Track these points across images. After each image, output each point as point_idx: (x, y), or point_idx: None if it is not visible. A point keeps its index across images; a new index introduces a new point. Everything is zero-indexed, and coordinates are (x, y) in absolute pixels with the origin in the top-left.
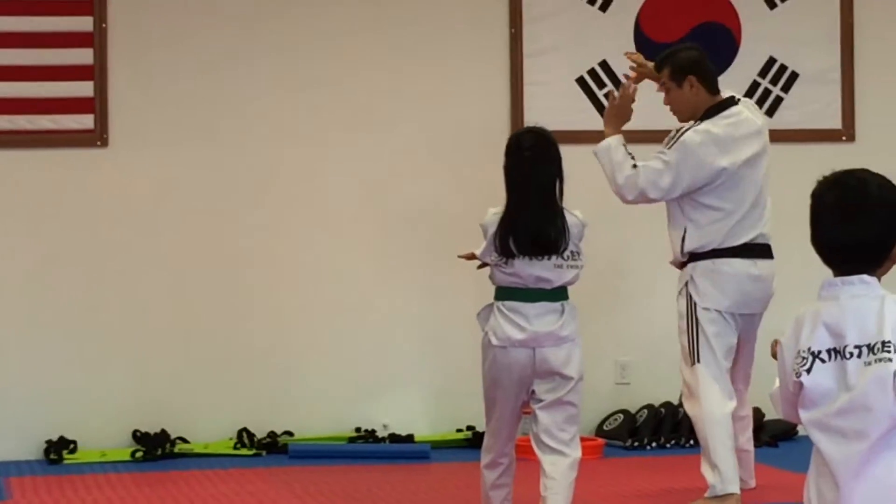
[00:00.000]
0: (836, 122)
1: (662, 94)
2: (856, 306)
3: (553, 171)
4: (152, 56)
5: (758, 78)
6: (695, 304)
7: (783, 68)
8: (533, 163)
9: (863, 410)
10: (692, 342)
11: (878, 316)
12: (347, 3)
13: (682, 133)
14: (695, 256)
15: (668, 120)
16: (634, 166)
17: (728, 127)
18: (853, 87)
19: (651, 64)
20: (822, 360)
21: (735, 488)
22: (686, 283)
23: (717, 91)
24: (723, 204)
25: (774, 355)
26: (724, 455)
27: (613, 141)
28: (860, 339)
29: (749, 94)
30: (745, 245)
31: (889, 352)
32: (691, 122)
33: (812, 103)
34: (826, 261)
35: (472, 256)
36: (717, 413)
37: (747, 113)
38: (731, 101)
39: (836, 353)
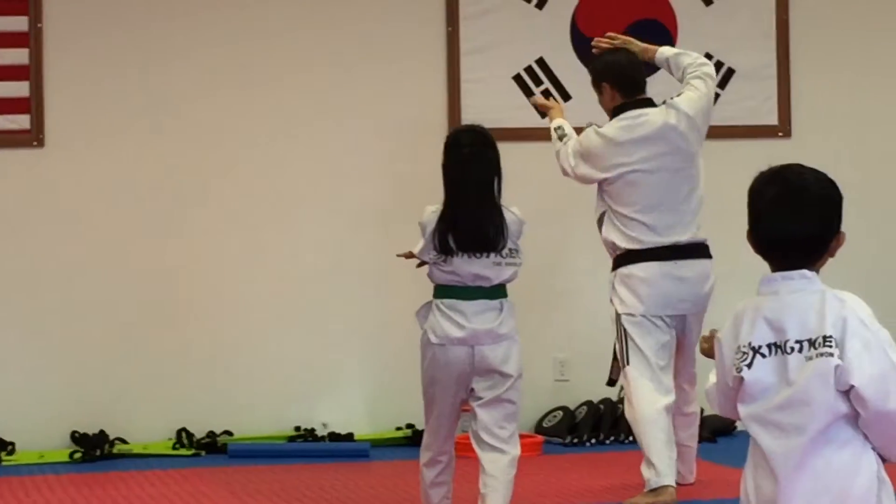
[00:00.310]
0: (772, 119)
1: None
2: (796, 301)
3: (491, 168)
4: (89, 55)
5: None
6: (616, 310)
7: (719, 65)
8: (471, 160)
9: (803, 405)
10: (621, 346)
11: (819, 311)
12: (287, 0)
13: (585, 129)
14: (616, 262)
15: None
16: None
17: (621, 130)
18: (789, 84)
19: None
20: (763, 355)
21: (669, 480)
22: (610, 290)
23: (633, 95)
24: (630, 208)
25: (703, 352)
26: (658, 450)
27: (554, 122)
28: (801, 334)
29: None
30: (665, 247)
31: (830, 346)
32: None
33: (748, 99)
34: (766, 256)
35: (410, 255)
36: (648, 411)
37: (653, 115)
38: (638, 104)
39: (777, 347)
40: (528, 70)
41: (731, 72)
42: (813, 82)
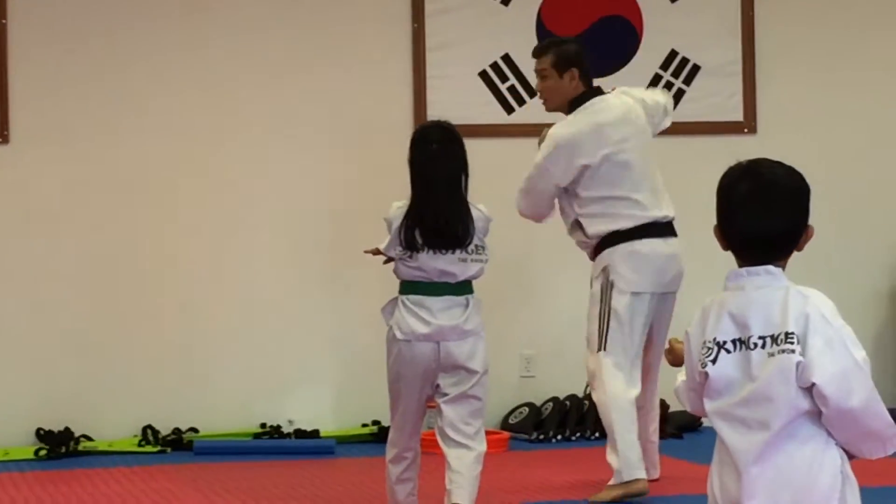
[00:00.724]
0: (737, 115)
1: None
2: (761, 297)
3: (459, 165)
4: (53, 53)
5: (660, 71)
6: (611, 287)
7: (685, 61)
8: (439, 156)
9: (765, 401)
10: (602, 327)
11: (783, 307)
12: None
13: (551, 130)
14: (609, 240)
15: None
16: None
17: (597, 114)
18: (754, 80)
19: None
20: (728, 351)
21: (641, 473)
22: (605, 268)
23: (591, 87)
24: (620, 189)
25: (671, 362)
26: (631, 441)
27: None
28: (764, 330)
29: (652, 86)
30: (655, 223)
31: (792, 343)
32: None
33: (714, 96)
34: (735, 251)
35: (377, 252)
36: (622, 399)
37: (613, 100)
38: (596, 92)
39: (741, 343)
40: (494, 66)
41: (696, 68)
42: (778, 78)
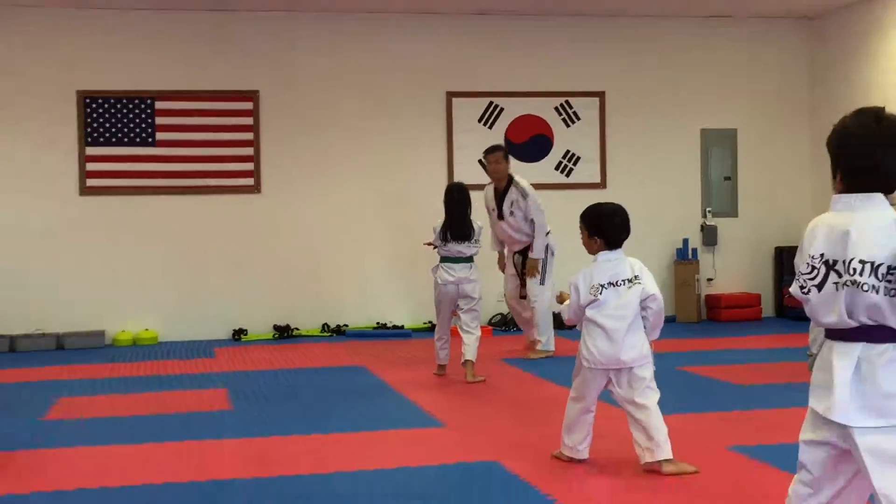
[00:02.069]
0: (597, 179)
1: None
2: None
3: (466, 203)
4: (286, 124)
5: (561, 160)
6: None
7: (573, 154)
8: (457, 200)
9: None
10: (546, 273)
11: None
12: (358, 94)
13: (528, 190)
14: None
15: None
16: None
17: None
18: (605, 162)
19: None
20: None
21: (551, 346)
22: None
23: None
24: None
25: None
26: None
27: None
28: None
29: (557, 168)
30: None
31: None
32: (514, 185)
33: (587, 171)
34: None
35: (429, 244)
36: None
37: (523, 181)
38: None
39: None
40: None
41: (578, 158)
42: (616, 160)
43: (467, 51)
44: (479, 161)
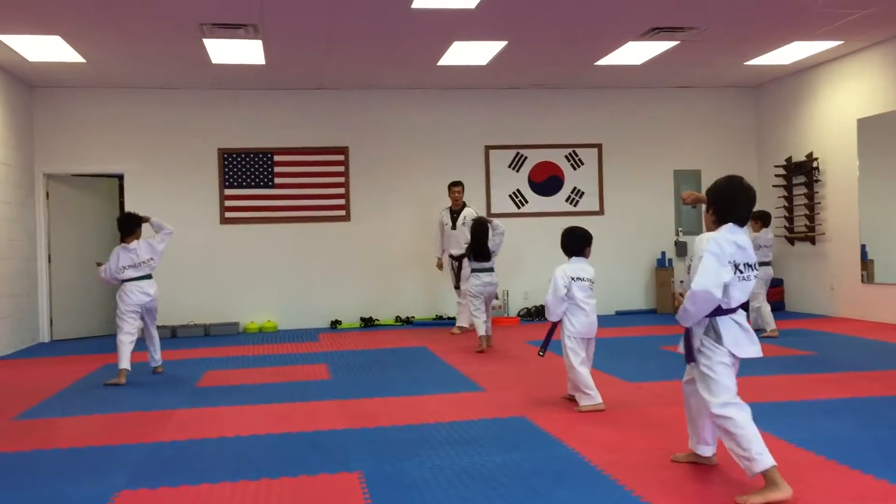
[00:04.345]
0: (597, 207)
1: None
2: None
3: (485, 232)
4: (368, 165)
5: (571, 194)
6: None
7: (580, 190)
8: (479, 231)
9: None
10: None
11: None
12: (420, 148)
13: (475, 214)
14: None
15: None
16: None
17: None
18: (602, 195)
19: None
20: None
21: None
22: None
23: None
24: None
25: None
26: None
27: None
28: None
29: (568, 201)
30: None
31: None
32: (466, 208)
33: (589, 203)
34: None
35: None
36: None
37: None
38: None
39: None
40: (512, 194)
41: (583, 192)
42: (611, 190)
43: (501, 115)
44: (448, 186)
